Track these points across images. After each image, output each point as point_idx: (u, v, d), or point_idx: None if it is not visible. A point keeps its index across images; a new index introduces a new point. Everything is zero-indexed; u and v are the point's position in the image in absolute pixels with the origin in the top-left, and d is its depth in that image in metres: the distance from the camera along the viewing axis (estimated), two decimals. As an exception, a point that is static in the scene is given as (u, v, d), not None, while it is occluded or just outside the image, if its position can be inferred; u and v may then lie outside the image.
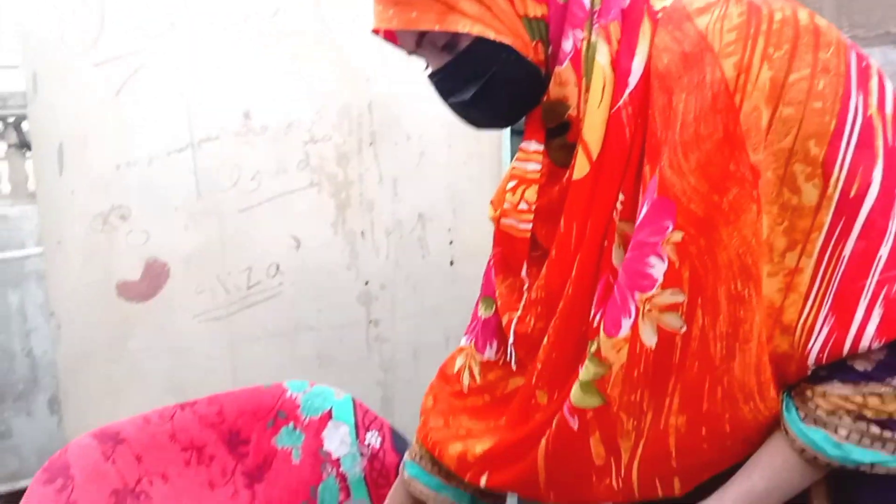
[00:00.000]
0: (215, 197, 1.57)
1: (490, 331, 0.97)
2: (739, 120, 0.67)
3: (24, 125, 3.03)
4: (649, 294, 0.70)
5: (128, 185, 1.52)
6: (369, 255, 1.72)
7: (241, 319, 1.62)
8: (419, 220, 1.77)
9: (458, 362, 1.01)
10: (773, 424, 0.73)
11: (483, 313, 0.99)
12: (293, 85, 1.61)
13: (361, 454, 1.30)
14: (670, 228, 0.69)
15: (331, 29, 1.63)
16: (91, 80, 1.48)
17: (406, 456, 1.05)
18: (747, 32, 0.68)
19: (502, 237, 0.88)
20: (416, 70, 1.71)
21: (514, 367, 0.91)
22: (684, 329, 0.69)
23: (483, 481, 0.87)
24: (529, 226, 0.83)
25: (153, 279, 1.56)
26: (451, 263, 1.82)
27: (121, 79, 1.50)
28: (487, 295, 0.99)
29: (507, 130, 1.90)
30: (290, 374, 1.55)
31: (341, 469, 1.30)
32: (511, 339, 0.88)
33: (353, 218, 1.70)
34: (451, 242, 1.81)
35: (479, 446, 0.87)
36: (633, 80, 0.74)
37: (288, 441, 1.32)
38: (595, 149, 0.75)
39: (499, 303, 0.93)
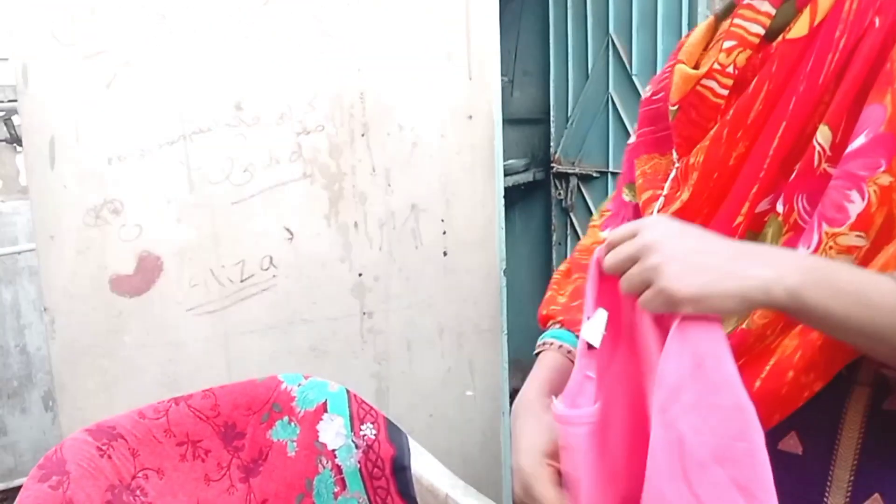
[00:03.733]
0: (208, 189, 1.56)
1: (631, 213, 0.93)
2: None
3: (15, 119, 3.01)
4: (837, 230, 0.67)
5: (120, 178, 1.51)
6: (362, 246, 1.72)
7: (235, 312, 1.61)
8: (412, 211, 1.77)
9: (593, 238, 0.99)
10: None
11: (627, 198, 0.96)
12: (285, 75, 1.60)
13: (357, 446, 1.31)
14: (882, 168, 0.66)
15: (322, 19, 1.62)
16: (81, 73, 1.47)
17: (545, 336, 0.99)
18: None
19: (689, 101, 0.80)
20: (408, 60, 1.71)
21: None
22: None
23: None
24: (727, 92, 0.77)
25: (146, 273, 1.55)
26: (445, 254, 1.82)
27: (111, 71, 1.49)
28: (629, 181, 0.94)
29: (500, 120, 1.89)
30: (285, 367, 1.55)
31: (337, 461, 1.30)
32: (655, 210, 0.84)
33: (346, 209, 1.69)
34: (444, 233, 1.81)
35: None
36: None
37: (283, 434, 1.32)
38: (821, 15, 0.71)
39: (640, 181, 0.89)
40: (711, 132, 0.77)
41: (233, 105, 1.56)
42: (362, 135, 1.70)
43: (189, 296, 1.58)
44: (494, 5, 1.81)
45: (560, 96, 3.22)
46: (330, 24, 1.63)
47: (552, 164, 3.29)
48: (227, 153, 1.57)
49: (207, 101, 1.55)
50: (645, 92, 0.93)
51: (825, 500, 0.74)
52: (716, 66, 0.77)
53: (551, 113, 3.28)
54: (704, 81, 0.78)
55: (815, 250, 0.68)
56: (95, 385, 1.55)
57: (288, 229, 1.64)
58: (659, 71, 0.99)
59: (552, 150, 3.31)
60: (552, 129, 3.29)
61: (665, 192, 0.82)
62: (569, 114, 3.17)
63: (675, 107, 0.82)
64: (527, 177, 3.46)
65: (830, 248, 0.67)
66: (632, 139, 0.96)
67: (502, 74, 1.88)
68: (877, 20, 0.70)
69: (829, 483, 0.74)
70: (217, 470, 1.30)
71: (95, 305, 1.52)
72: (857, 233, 0.67)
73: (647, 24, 2.69)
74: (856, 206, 0.66)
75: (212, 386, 1.33)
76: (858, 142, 0.67)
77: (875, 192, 0.66)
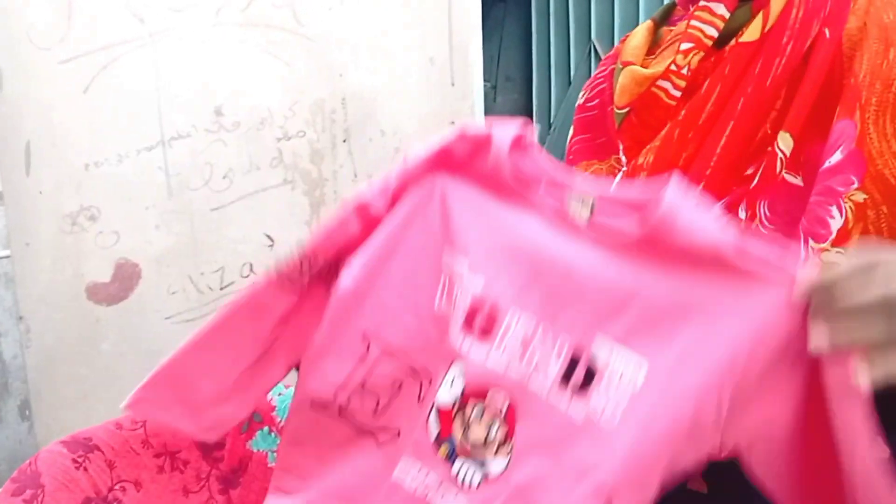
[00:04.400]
0: (187, 196, 1.54)
1: None
2: None
3: (-9, 123, 2.96)
4: (821, 245, 0.67)
5: (97, 184, 1.49)
6: (345, 253, 1.71)
7: (215, 321, 1.59)
8: (395, 218, 1.76)
9: None
10: None
11: None
12: (265, 80, 1.59)
13: (338, 456, 1.29)
14: (855, 185, 0.66)
15: (303, 23, 1.61)
16: (58, 78, 1.45)
17: None
18: None
19: (642, 103, 0.79)
20: (390, 65, 1.70)
21: None
22: None
23: None
24: (679, 94, 0.77)
25: (124, 280, 1.53)
26: (428, 260, 1.81)
27: (89, 76, 1.47)
28: None
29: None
30: (266, 376, 1.53)
31: (318, 471, 1.29)
32: None
33: (328, 215, 1.67)
34: (427, 239, 1.80)
35: None
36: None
37: (263, 444, 1.30)
38: (772, 21, 0.72)
39: None
40: (662, 133, 0.76)
41: (212, 110, 1.55)
42: (344, 140, 1.68)
43: (168, 303, 1.55)
44: (477, 11, 1.80)
45: (542, 102, 3.23)
46: (311, 29, 1.61)
47: (535, 170, 3.30)
48: (206, 159, 1.55)
49: (187, 106, 1.53)
50: (579, 98, 0.92)
51: None
52: (672, 67, 0.77)
53: (534, 119, 3.29)
54: (659, 83, 0.78)
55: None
56: (72, 394, 1.52)
57: (269, 236, 1.62)
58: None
59: (535, 155, 3.32)
60: (535, 135, 3.31)
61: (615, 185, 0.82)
62: (551, 119, 3.18)
63: (625, 109, 0.81)
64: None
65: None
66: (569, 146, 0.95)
67: (485, 80, 1.88)
68: (826, 31, 0.71)
69: None
70: (196, 482, 1.27)
71: (72, 313, 1.50)
72: (838, 249, 0.67)
73: (629, 29, 2.70)
74: (836, 223, 0.67)
75: (191, 395, 1.31)
76: (835, 158, 0.68)
77: (851, 208, 0.67)
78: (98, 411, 1.47)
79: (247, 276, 1.61)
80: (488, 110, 1.98)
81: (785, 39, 0.71)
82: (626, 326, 0.60)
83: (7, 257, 2.45)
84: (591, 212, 0.65)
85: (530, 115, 3.33)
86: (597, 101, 0.89)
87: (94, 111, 1.48)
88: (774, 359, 0.57)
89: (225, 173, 1.57)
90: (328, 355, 0.70)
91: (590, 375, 0.61)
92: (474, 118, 1.85)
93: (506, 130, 0.67)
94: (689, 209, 0.60)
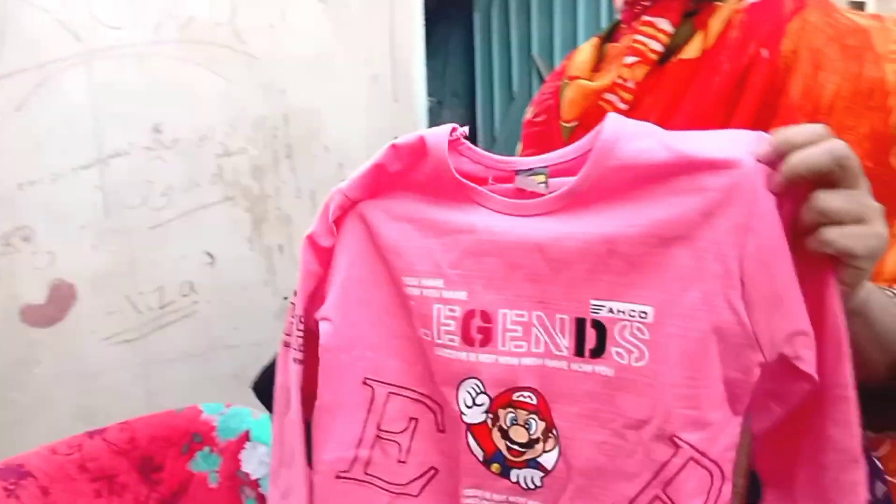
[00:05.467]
0: (124, 214, 1.52)
1: None
2: (889, 122, 0.69)
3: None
4: None
5: (31, 204, 1.45)
6: (287, 269, 1.70)
7: (155, 341, 1.57)
8: (339, 234, 1.75)
9: None
10: None
11: None
12: (205, 97, 1.57)
13: (281, 474, 1.28)
14: None
15: (245, 40, 1.60)
16: (-11, 95, 1.42)
17: None
18: None
19: (590, 117, 0.79)
20: (333, 82, 1.71)
21: None
22: None
23: None
24: (626, 107, 0.77)
25: (59, 302, 1.49)
26: (374, 276, 1.81)
27: (23, 94, 1.44)
28: None
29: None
30: (208, 396, 1.51)
31: (260, 490, 1.27)
32: None
33: (270, 232, 1.67)
34: (372, 255, 1.80)
35: None
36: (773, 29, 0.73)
37: (204, 465, 1.28)
38: (712, 40, 0.74)
39: None
40: None
41: (150, 127, 1.53)
42: (287, 156, 1.68)
43: (105, 324, 1.52)
44: (419, 28, 1.82)
45: (486, 117, 3.26)
46: (252, 46, 1.61)
47: (481, 184, 3.33)
48: (144, 176, 1.53)
49: (124, 124, 1.51)
50: (527, 113, 0.94)
51: None
52: (618, 80, 0.79)
53: (478, 134, 3.32)
54: (606, 95, 0.79)
55: None
56: (5, 420, 1.47)
57: (209, 253, 1.61)
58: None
59: (481, 170, 3.35)
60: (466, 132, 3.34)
61: None
62: (495, 134, 3.21)
63: (572, 123, 0.82)
64: (457, 197, 3.49)
65: None
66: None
67: (431, 96, 1.89)
68: (763, 52, 0.74)
69: None
70: (135, 505, 1.25)
71: (5, 336, 1.46)
72: None
73: (568, 45, 2.75)
74: None
75: (130, 418, 1.29)
76: None
77: None
78: (33, 436, 1.43)
79: (186, 295, 1.59)
80: (434, 125, 2.00)
81: (723, 58, 0.74)
82: (616, 280, 0.59)
83: (-63, 279, 2.37)
84: (546, 181, 0.64)
85: (474, 130, 3.36)
86: (544, 116, 0.91)
87: (28, 129, 1.44)
88: (770, 249, 0.55)
89: (164, 191, 1.55)
90: (336, 416, 0.67)
91: (601, 336, 0.60)
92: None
93: (438, 133, 0.67)
94: (627, 136, 0.59)
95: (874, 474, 0.78)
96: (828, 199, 0.53)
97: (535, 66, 2.88)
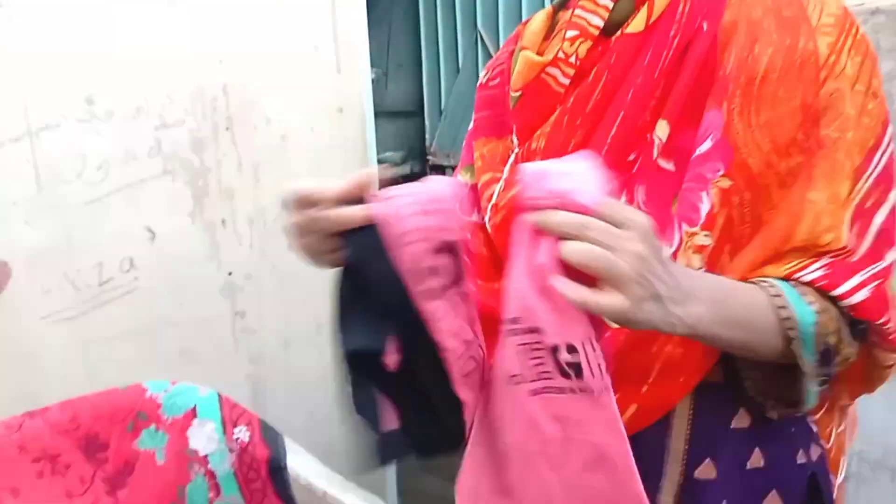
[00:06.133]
0: (58, 189, 1.47)
1: (474, 198, 0.92)
2: (819, 94, 0.71)
3: None
4: (692, 230, 0.72)
5: (-42, 179, 1.39)
6: (231, 244, 1.67)
7: (95, 318, 1.52)
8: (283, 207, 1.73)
9: None
10: None
11: (464, 180, 0.95)
12: (140, 67, 1.52)
13: (230, 450, 1.27)
14: (721, 172, 0.71)
15: (178, 6, 1.55)
16: None
17: None
18: (843, 25, 0.72)
19: (532, 88, 0.82)
20: (272, 51, 1.67)
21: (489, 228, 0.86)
22: (702, 271, 0.71)
23: None
24: (568, 81, 0.79)
25: (-7, 280, 1.44)
26: (320, 249, 1.79)
27: (-56, 64, 1.37)
28: (468, 164, 0.94)
29: (371, 113, 1.88)
30: (152, 373, 1.48)
31: (209, 466, 1.26)
32: (493, 200, 0.84)
33: (212, 206, 1.63)
34: (318, 228, 1.78)
35: None
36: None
37: (150, 443, 1.26)
38: (657, 13, 0.76)
39: (478, 164, 0.89)
40: (552, 118, 0.80)
41: (83, 98, 1.47)
42: (227, 128, 1.64)
43: (42, 303, 1.48)
44: (360, -3, 1.79)
45: (433, 89, 3.24)
46: (187, 13, 1.56)
47: (428, 157, 3.31)
48: (78, 150, 1.48)
49: (55, 95, 1.45)
50: (482, 76, 0.95)
51: (663, 469, 0.79)
52: (560, 54, 0.80)
53: (425, 106, 3.30)
54: (549, 69, 0.81)
55: (677, 250, 0.73)
56: (-61, 404, 1.42)
57: (149, 229, 1.57)
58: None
59: (427, 142, 3.33)
60: (427, 122, 3.32)
61: (505, 175, 0.84)
62: (442, 106, 3.20)
63: (518, 93, 0.84)
64: (404, 169, 3.47)
65: (689, 247, 0.72)
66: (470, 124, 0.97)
67: (376, 66, 1.88)
68: (704, 24, 0.75)
69: (666, 454, 0.79)
70: (80, 485, 1.22)
71: (-64, 317, 1.40)
72: (705, 232, 0.72)
73: (513, 18, 2.75)
74: (704, 207, 0.72)
75: (71, 397, 1.26)
76: (705, 146, 0.72)
77: (717, 194, 0.71)
78: (-31, 419, 1.38)
79: (127, 271, 1.55)
80: (380, 97, 1.97)
81: (672, 32, 0.76)
82: None
83: None
84: None
85: (421, 102, 3.34)
86: (498, 80, 0.91)
87: (-48, 101, 1.38)
88: None
89: (99, 164, 1.50)
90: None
91: None
92: (363, 105, 1.84)
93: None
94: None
95: (810, 438, 0.82)
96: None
97: (480, 38, 2.88)
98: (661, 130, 0.75)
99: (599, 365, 0.60)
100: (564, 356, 0.60)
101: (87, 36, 1.47)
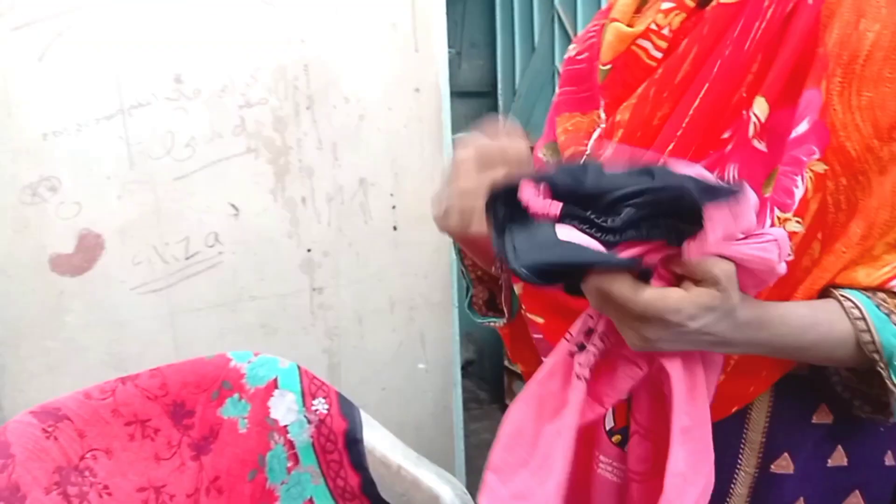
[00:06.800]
0: (148, 165, 1.53)
1: None
2: None
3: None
4: (784, 216, 0.69)
5: (56, 154, 1.47)
6: (310, 221, 1.71)
7: (181, 290, 1.59)
8: (361, 186, 1.76)
9: None
10: None
11: (545, 157, 0.93)
12: (225, 47, 1.57)
13: (309, 421, 1.30)
14: (816, 155, 0.68)
15: (264, -11, 1.59)
16: (11, 45, 1.42)
17: None
18: None
19: (622, 61, 0.80)
20: (352, 30, 1.69)
21: None
22: (790, 258, 0.68)
23: None
24: (660, 55, 0.77)
25: (87, 252, 1.51)
26: (395, 229, 1.81)
27: (43, 43, 1.44)
28: (551, 140, 0.92)
29: (447, 92, 1.89)
30: (233, 345, 1.54)
31: (289, 436, 1.30)
32: None
33: (293, 184, 1.67)
34: (393, 207, 1.80)
35: None
36: None
37: (234, 411, 1.31)
38: None
39: (562, 139, 0.88)
40: (638, 91, 0.77)
41: (172, 78, 1.53)
42: (307, 108, 1.67)
43: (132, 274, 1.55)
44: (439, -25, 1.79)
45: (507, 69, 3.22)
46: (272, -5, 1.59)
47: (500, 138, 3.29)
48: (167, 127, 1.53)
49: (145, 74, 1.51)
50: (569, 51, 0.92)
51: (739, 461, 0.78)
52: (653, 26, 0.77)
53: (498, 86, 3.28)
54: (640, 42, 0.78)
55: None
56: (38, 367, 1.51)
57: (233, 205, 1.62)
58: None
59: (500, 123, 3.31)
60: (500, 102, 3.30)
61: (589, 150, 0.83)
62: (516, 86, 3.18)
63: (608, 66, 0.81)
64: (475, 150, 3.45)
65: None
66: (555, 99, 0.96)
67: (449, 46, 1.87)
68: None
69: (742, 446, 0.78)
70: (167, 448, 1.28)
71: (35, 286, 1.48)
72: (797, 219, 0.69)
73: (592, -5, 2.70)
74: (799, 192, 0.68)
75: (158, 365, 1.32)
76: (802, 128, 0.69)
77: (811, 178, 0.68)
78: (64, 383, 1.46)
79: (212, 246, 1.61)
80: (453, 77, 1.97)
81: (766, 3, 0.71)
82: None
83: (-36, 231, 2.40)
84: None
85: (495, 83, 3.32)
86: (586, 54, 0.89)
87: (51, 79, 1.45)
88: None
89: (187, 142, 1.55)
90: None
91: None
92: (439, 85, 1.85)
93: None
94: None
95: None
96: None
97: (557, 17, 2.83)
98: (759, 108, 0.71)
99: None
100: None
101: (175, 16, 1.52)
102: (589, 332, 0.67)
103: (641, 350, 0.62)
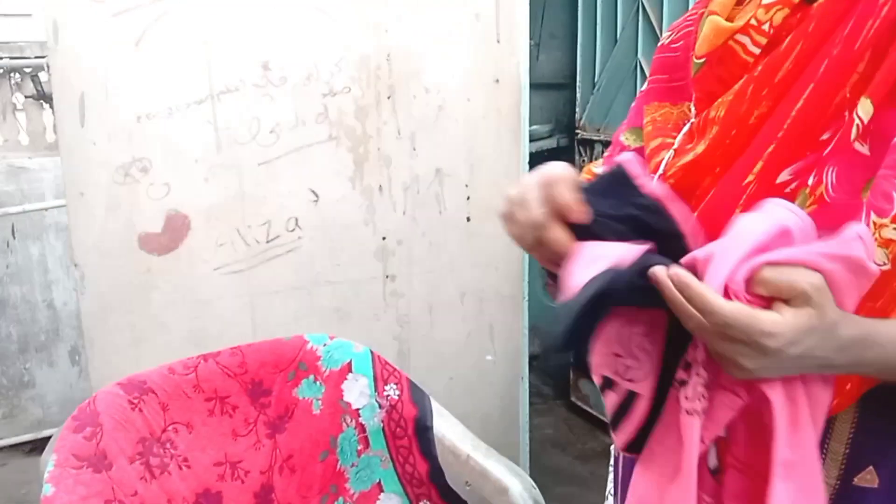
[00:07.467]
0: (235, 150, 1.57)
1: (640, 163, 0.88)
2: None
3: (42, 76, 3.01)
4: (881, 221, 0.66)
5: (148, 136, 1.52)
6: (386, 210, 1.73)
7: (261, 272, 1.63)
8: (436, 176, 1.77)
9: None
10: None
11: (628, 142, 0.91)
12: (311, 35, 1.60)
13: (380, 406, 1.33)
14: None
15: (350, -21, 1.61)
16: (111, 30, 1.48)
17: None
18: None
19: (718, 56, 0.78)
20: (435, 20, 1.70)
21: None
22: (886, 267, 0.66)
23: None
24: (758, 51, 0.74)
25: (174, 231, 1.57)
26: (468, 220, 1.82)
27: (140, 29, 1.50)
28: (635, 126, 0.90)
29: (527, 84, 1.88)
30: (308, 328, 1.57)
31: (360, 420, 1.33)
32: (662, 168, 0.80)
33: (371, 172, 1.70)
34: (467, 199, 1.80)
35: None
36: None
37: (309, 392, 1.35)
38: None
39: (648, 128, 0.86)
40: (736, 87, 0.74)
41: (260, 65, 1.56)
42: (388, 97, 1.69)
43: (216, 255, 1.60)
44: (523, -34, 1.78)
45: (587, 61, 3.17)
46: (358, -16, 1.61)
47: (577, 131, 3.25)
48: (253, 113, 1.57)
49: (235, 61, 1.55)
50: (664, 38, 0.90)
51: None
52: (752, 21, 0.74)
53: (578, 78, 3.24)
54: (738, 37, 0.75)
55: None
56: (124, 340, 1.58)
57: (313, 191, 1.65)
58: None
59: (577, 116, 3.27)
60: (578, 95, 3.25)
61: (676, 143, 0.81)
62: (595, 79, 3.13)
63: (702, 60, 0.78)
64: (551, 143, 3.42)
65: (875, 239, 0.66)
66: (644, 86, 0.94)
67: (529, 37, 1.86)
68: None
69: (824, 455, 0.75)
70: (244, 425, 1.32)
71: (124, 262, 1.55)
72: (894, 226, 0.66)
73: (678, -13, 2.63)
74: None
75: (237, 344, 1.36)
76: None
77: None
78: (148, 356, 1.53)
79: (292, 230, 1.64)
80: (531, 68, 1.95)
81: (882, 0, 0.69)
82: None
83: (60, 207, 2.52)
84: None
85: (574, 75, 3.28)
86: (681, 42, 0.87)
87: (146, 64, 1.50)
88: None
89: (272, 128, 1.59)
90: None
91: None
92: (519, 77, 1.84)
93: None
94: None
95: None
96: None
97: (642, 8, 2.78)
98: (864, 110, 0.68)
99: None
100: None
101: (265, 5, 1.55)
102: (688, 367, 0.66)
103: (742, 378, 0.61)
